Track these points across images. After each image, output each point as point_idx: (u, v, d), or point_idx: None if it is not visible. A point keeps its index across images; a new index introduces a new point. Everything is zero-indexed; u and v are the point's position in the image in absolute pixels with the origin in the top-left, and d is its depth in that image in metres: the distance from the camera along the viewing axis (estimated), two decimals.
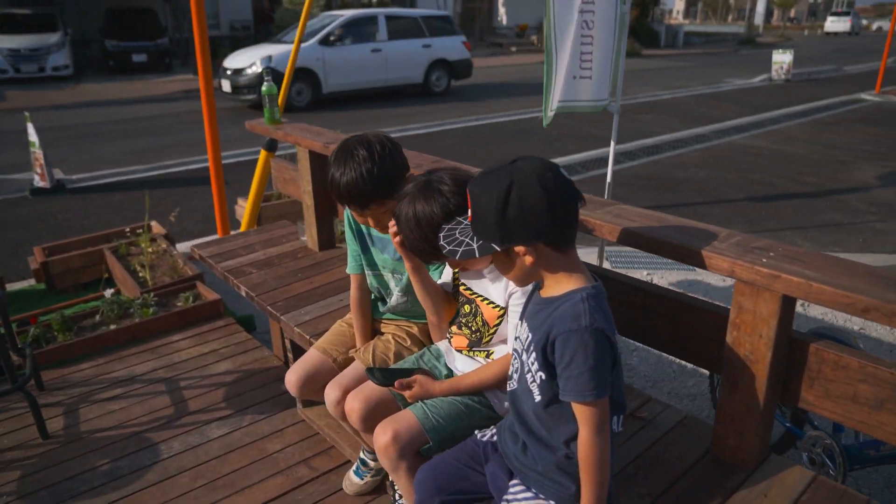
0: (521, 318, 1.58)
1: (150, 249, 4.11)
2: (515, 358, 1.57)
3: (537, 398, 1.46)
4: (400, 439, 1.71)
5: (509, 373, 1.60)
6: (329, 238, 3.15)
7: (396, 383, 1.77)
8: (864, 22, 57.83)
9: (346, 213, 2.17)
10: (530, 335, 1.48)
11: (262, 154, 4.32)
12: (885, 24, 63.03)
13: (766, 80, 17.54)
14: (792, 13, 62.23)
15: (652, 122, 11.15)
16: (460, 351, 1.93)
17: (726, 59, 25.17)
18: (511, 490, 1.55)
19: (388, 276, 2.14)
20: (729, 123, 11.01)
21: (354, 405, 1.86)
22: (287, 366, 3.14)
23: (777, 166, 8.28)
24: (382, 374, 1.81)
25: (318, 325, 2.43)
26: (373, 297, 2.22)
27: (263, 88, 3.15)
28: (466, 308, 1.86)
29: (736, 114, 11.97)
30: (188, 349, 3.22)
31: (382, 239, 2.10)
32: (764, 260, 1.56)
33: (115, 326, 3.30)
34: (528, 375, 1.48)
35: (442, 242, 1.52)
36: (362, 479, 2.23)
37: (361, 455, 2.25)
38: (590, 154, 8.57)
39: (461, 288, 1.88)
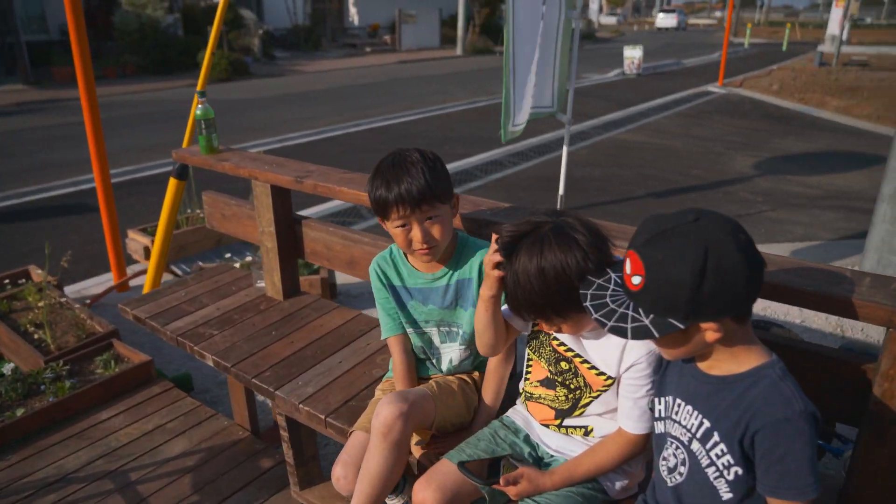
0: (671, 396, 1.33)
1: (40, 303, 3.39)
2: (677, 447, 1.31)
3: (726, 496, 1.23)
4: None
5: (668, 465, 1.33)
6: (294, 284, 2.70)
7: (502, 479, 1.44)
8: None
9: (374, 269, 1.81)
10: (706, 422, 1.24)
11: (172, 183, 3.72)
12: (698, 21, 69.52)
13: (620, 74, 18.56)
14: (618, 10, 66.96)
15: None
16: (546, 425, 1.64)
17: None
18: None
19: (433, 332, 1.80)
20: (604, 119, 11.41)
21: (427, 496, 1.51)
22: (256, 435, 2.67)
23: (663, 161, 8.65)
24: (479, 468, 1.49)
25: (328, 400, 2.01)
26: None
27: (198, 112, 2.63)
28: (563, 365, 1.56)
29: (605, 109, 12.46)
30: (126, 429, 2.64)
31: (423, 290, 1.76)
32: None
33: (24, 411, 2.64)
34: (710, 469, 1.24)
35: (595, 315, 1.23)
36: None
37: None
38: (483, 157, 8.48)
39: (553, 342, 1.58)
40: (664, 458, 1.37)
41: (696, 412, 1.28)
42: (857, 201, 7.16)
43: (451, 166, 7.87)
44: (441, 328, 1.79)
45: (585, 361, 1.51)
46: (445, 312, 1.77)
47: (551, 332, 1.49)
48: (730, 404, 1.21)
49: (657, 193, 7.15)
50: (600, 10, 61.77)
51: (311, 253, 2.58)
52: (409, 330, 1.81)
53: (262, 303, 2.65)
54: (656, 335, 1.17)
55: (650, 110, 12.54)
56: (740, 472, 1.21)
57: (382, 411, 1.55)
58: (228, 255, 4.50)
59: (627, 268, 1.21)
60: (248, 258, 4.03)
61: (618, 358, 1.46)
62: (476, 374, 1.86)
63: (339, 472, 1.72)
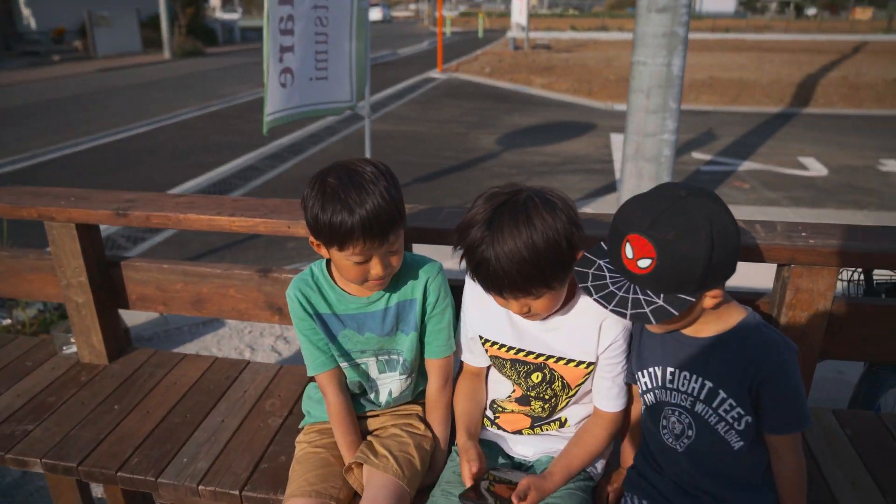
0: (659, 365, 1.32)
1: None
2: (679, 413, 1.33)
3: (737, 445, 1.29)
4: None
5: (673, 430, 1.34)
6: (119, 341, 2.18)
7: (514, 497, 1.30)
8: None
9: (295, 296, 1.51)
10: (707, 383, 1.28)
11: None
12: (398, 13, 73.19)
13: None
14: None
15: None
16: (519, 432, 1.53)
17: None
18: None
19: (370, 363, 1.56)
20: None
21: None
22: None
23: (414, 146, 8.90)
24: (486, 495, 1.33)
25: (232, 471, 1.65)
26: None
27: None
28: (536, 377, 1.46)
29: None
30: None
31: (357, 316, 1.52)
32: (811, 241, 1.59)
33: None
34: (721, 425, 1.29)
35: (612, 307, 1.18)
36: None
37: None
38: (237, 164, 7.90)
39: (510, 354, 1.47)
40: (666, 428, 1.36)
41: (693, 376, 1.30)
42: (589, 163, 8.14)
43: (207, 178, 7.20)
44: (380, 357, 1.57)
45: (560, 359, 1.43)
46: (385, 340, 1.54)
47: (522, 313, 1.36)
48: (730, 361, 1.25)
49: (421, 178, 7.32)
50: None
51: (139, 299, 2.11)
52: (343, 364, 1.55)
53: (82, 373, 2.09)
54: (675, 313, 1.16)
55: (386, 99, 12.84)
56: (750, 419, 1.26)
57: None
58: None
59: (630, 252, 1.16)
60: (7, 320, 3.21)
61: (595, 340, 1.41)
62: (419, 408, 1.67)
63: None
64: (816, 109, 12.40)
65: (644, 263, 1.15)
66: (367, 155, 3.78)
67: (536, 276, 1.23)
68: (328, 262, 1.52)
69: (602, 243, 1.30)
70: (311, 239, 1.42)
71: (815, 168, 7.78)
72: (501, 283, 1.25)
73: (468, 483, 1.39)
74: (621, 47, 25.75)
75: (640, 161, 5.44)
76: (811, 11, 73.10)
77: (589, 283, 1.23)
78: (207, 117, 10.89)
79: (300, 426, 1.71)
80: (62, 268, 2.01)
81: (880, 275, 2.34)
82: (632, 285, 1.19)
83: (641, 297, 1.17)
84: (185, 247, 5.18)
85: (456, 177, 7.36)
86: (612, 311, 1.17)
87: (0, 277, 2.20)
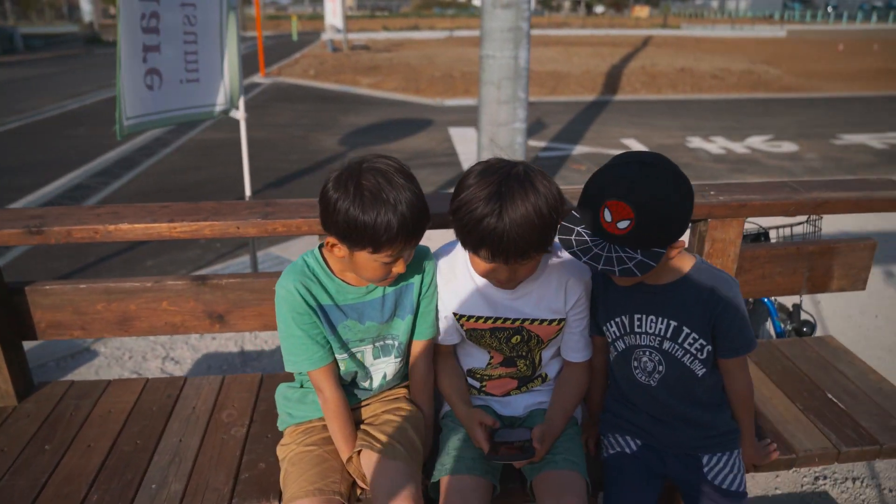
0: (627, 314, 1.49)
1: None
2: (649, 353, 1.51)
3: (701, 371, 1.48)
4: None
5: (645, 369, 1.52)
6: (28, 378, 1.94)
7: (535, 442, 1.44)
8: None
9: (295, 290, 1.45)
10: (672, 322, 1.46)
11: None
12: None
13: None
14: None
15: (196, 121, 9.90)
16: (507, 394, 1.62)
17: (92, 59, 23.77)
18: (709, 467, 1.54)
19: (366, 351, 1.56)
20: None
21: None
22: None
23: (260, 152, 8.60)
24: (502, 462, 1.43)
25: (214, 486, 1.56)
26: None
27: None
28: (516, 339, 1.55)
29: None
30: None
31: (357, 306, 1.51)
32: (721, 198, 1.84)
33: None
34: (686, 357, 1.48)
35: (600, 266, 1.31)
36: None
37: None
38: (61, 184, 7.15)
39: (488, 324, 1.55)
40: (638, 368, 1.53)
41: (659, 318, 1.47)
42: (434, 157, 8.38)
43: (27, 200, 6.44)
44: (376, 344, 1.56)
45: (534, 320, 1.54)
46: (383, 326, 1.54)
47: (503, 279, 1.43)
48: (689, 301, 1.44)
49: (274, 184, 7.12)
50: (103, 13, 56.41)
51: (50, 327, 1.89)
52: (341, 355, 1.53)
53: None
54: (654, 265, 1.30)
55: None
56: (710, 348, 1.46)
57: None
58: None
59: (608, 216, 1.29)
60: None
61: (562, 300, 1.53)
62: (405, 390, 1.69)
63: None
64: (624, 96, 13.74)
65: (623, 225, 1.28)
66: (246, 161, 3.63)
67: (538, 241, 1.33)
68: (321, 252, 1.50)
69: (573, 212, 1.42)
70: (330, 239, 1.38)
71: (637, 148, 8.65)
72: (509, 251, 1.32)
73: (484, 445, 1.46)
74: (438, 45, 26.61)
75: (495, 150, 5.72)
76: (600, 9, 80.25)
77: (575, 248, 1.35)
78: (8, 135, 9.69)
79: (281, 429, 1.66)
80: None
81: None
82: (611, 245, 1.31)
83: (623, 255, 1.30)
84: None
85: (309, 179, 7.24)
86: (601, 269, 1.29)
87: None
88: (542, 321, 1.54)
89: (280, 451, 1.61)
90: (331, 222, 1.34)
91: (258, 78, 16.61)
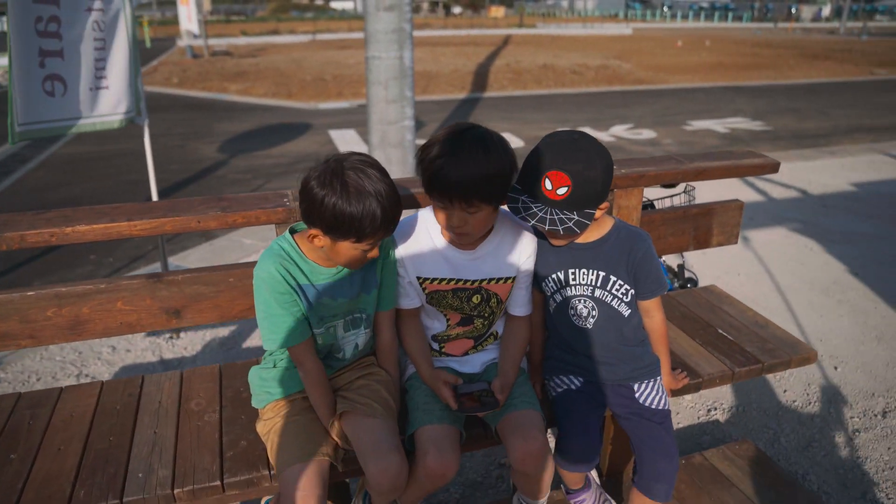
0: (563, 269, 1.74)
1: None
2: (583, 301, 1.77)
3: (626, 312, 1.78)
4: (544, 439, 1.66)
5: (581, 315, 1.78)
6: None
7: (496, 393, 1.64)
8: None
9: (276, 271, 1.57)
10: (601, 273, 1.75)
11: None
12: None
13: None
14: None
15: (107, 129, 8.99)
16: (465, 353, 1.82)
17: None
18: (639, 393, 1.82)
19: (338, 326, 1.69)
20: None
21: (449, 462, 1.57)
22: None
23: (137, 164, 8.22)
24: (469, 413, 1.63)
25: (201, 467, 1.64)
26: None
27: None
28: (476, 299, 1.76)
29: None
30: None
31: (329, 285, 1.64)
32: (623, 171, 2.15)
33: None
34: (614, 301, 1.77)
35: (547, 227, 1.56)
36: None
37: None
38: None
39: (450, 285, 1.74)
40: (575, 315, 1.79)
41: (590, 270, 1.75)
42: (321, 159, 8.41)
43: None
44: (347, 318, 1.70)
45: (492, 279, 1.75)
46: (352, 302, 1.68)
47: (458, 228, 1.62)
48: (614, 253, 1.73)
49: (162, 194, 6.87)
50: None
51: None
52: (317, 330, 1.65)
53: None
54: (588, 223, 1.57)
55: None
56: (632, 291, 1.75)
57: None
58: None
59: (549, 185, 1.54)
60: None
61: (517, 258, 1.76)
62: (373, 358, 1.84)
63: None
64: (493, 93, 14.34)
65: (562, 191, 1.54)
66: (151, 167, 3.57)
67: (483, 190, 1.53)
68: (293, 237, 1.62)
69: (515, 185, 1.65)
70: (313, 231, 1.51)
71: (514, 141, 9.14)
72: (457, 190, 1.51)
73: (451, 402, 1.65)
74: (303, 49, 26.26)
75: (387, 148, 5.91)
76: (457, 10, 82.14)
77: (523, 214, 1.58)
78: None
79: (260, 407, 1.76)
80: None
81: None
82: (552, 209, 1.56)
83: (563, 216, 1.55)
84: None
85: (194, 188, 7.07)
86: (548, 229, 1.54)
87: None
88: (500, 279, 1.76)
89: (262, 427, 1.71)
90: (317, 217, 1.48)
91: None
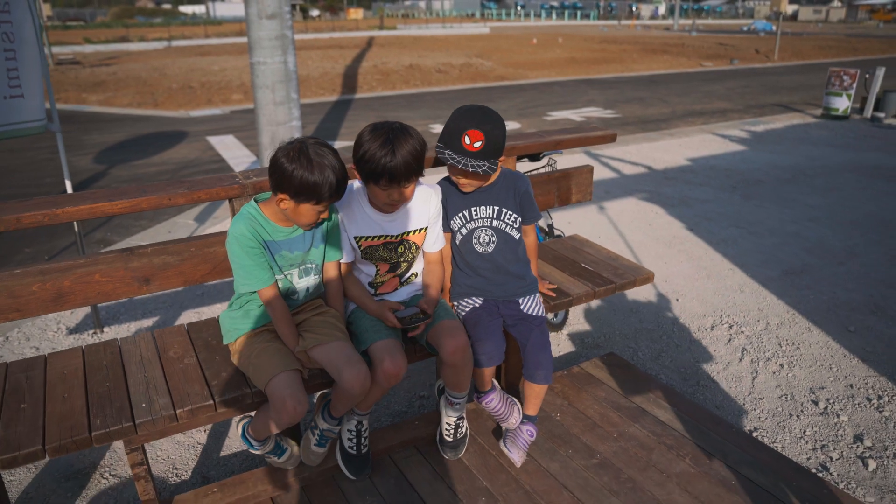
0: (467, 209, 2.33)
1: None
2: (484, 230, 2.35)
3: (517, 236, 2.40)
4: (466, 336, 2.23)
5: (483, 243, 2.36)
6: None
7: (422, 310, 2.18)
8: None
9: (247, 231, 1.99)
10: (495, 207, 2.34)
11: None
12: None
13: None
14: None
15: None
16: (395, 290, 2.34)
17: None
18: (524, 305, 2.42)
19: (293, 273, 2.14)
20: None
21: (401, 364, 2.08)
22: None
23: (10, 180, 7.95)
24: (411, 325, 2.15)
25: (196, 395, 2.03)
26: None
27: None
28: (401, 249, 2.27)
29: None
30: None
31: (286, 242, 2.09)
32: (511, 142, 2.74)
33: None
34: (507, 228, 2.37)
35: (473, 167, 2.11)
36: (324, 447, 2.35)
37: (320, 424, 2.29)
38: None
39: (379, 241, 2.25)
40: (478, 242, 2.36)
41: (488, 206, 2.34)
42: (205, 165, 8.53)
43: None
44: (300, 268, 2.14)
45: (410, 231, 2.27)
46: (305, 255, 2.13)
47: (393, 200, 2.13)
48: (504, 191, 2.34)
49: None
50: None
51: None
52: (278, 276, 2.09)
53: None
54: (495, 169, 2.15)
55: None
56: (519, 218, 2.35)
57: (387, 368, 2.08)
58: None
59: (468, 140, 2.10)
60: None
61: (427, 212, 2.29)
62: (321, 300, 2.30)
63: (291, 405, 1.96)
64: (364, 94, 14.80)
65: (478, 144, 2.10)
66: (66, 171, 3.75)
67: (416, 168, 2.05)
68: (257, 204, 2.05)
69: (438, 144, 2.19)
70: (281, 195, 1.94)
71: None
72: (401, 176, 2.02)
73: (396, 322, 2.16)
74: (161, 56, 25.30)
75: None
76: (315, 13, 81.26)
77: (450, 163, 2.13)
78: None
79: (231, 341, 2.17)
80: None
81: None
82: (470, 160, 2.11)
83: (478, 163, 2.11)
84: None
85: None
86: (472, 170, 2.09)
87: None
88: (417, 230, 2.28)
89: (237, 357, 2.13)
90: (287, 184, 1.92)
91: None
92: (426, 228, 2.31)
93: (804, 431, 2.95)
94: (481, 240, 2.36)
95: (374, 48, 26.55)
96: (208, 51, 27.43)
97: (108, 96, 15.06)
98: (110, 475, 2.69)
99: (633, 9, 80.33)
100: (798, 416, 3.05)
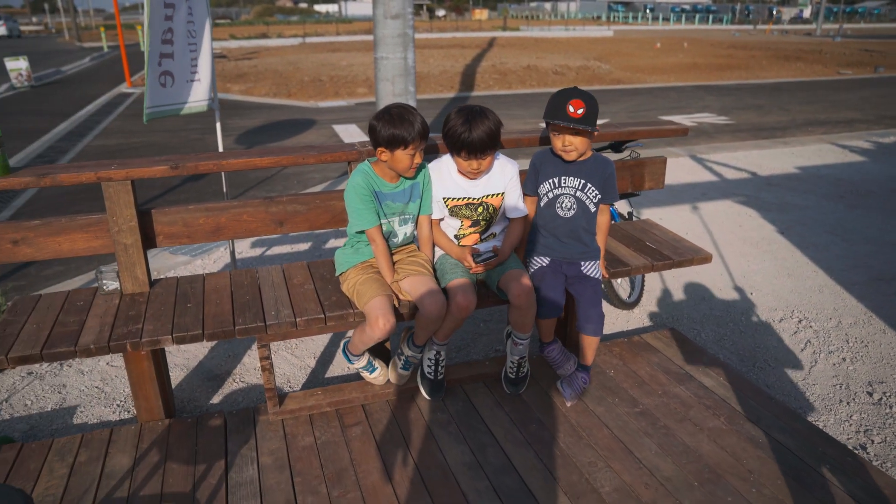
0: (558, 176, 2.76)
1: None
2: (569, 198, 2.77)
3: (594, 209, 2.79)
4: (531, 283, 2.70)
5: (564, 208, 2.77)
6: (149, 273, 2.86)
7: (494, 252, 2.66)
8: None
9: (362, 181, 2.56)
10: (582, 180, 2.75)
11: None
12: (24, 27, 64.14)
13: (10, 88, 16.84)
14: None
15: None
16: (476, 243, 2.83)
17: None
18: (584, 268, 2.82)
19: (394, 220, 2.69)
20: (56, 132, 10.81)
21: (471, 299, 2.57)
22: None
23: (164, 154, 9.16)
24: (483, 261, 2.63)
25: (307, 309, 2.63)
26: None
27: None
28: (479, 209, 2.76)
29: (50, 123, 11.68)
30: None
31: (390, 194, 2.64)
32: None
33: None
34: (587, 201, 2.77)
35: (580, 127, 2.58)
36: (408, 371, 2.87)
37: (406, 350, 2.83)
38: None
39: (462, 202, 2.74)
40: (560, 207, 2.78)
41: (575, 178, 2.76)
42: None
43: None
44: (400, 217, 2.70)
45: (488, 195, 2.75)
46: (404, 206, 2.68)
47: (474, 169, 2.63)
48: (592, 169, 2.75)
49: (192, 179, 7.82)
50: None
51: (167, 237, 2.84)
52: (383, 221, 2.65)
53: (134, 298, 2.76)
54: (593, 134, 2.60)
55: (93, 116, 12.34)
56: (600, 195, 2.76)
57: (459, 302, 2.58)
58: None
59: (572, 108, 2.55)
60: None
61: (503, 179, 2.76)
62: (414, 245, 2.85)
63: (382, 322, 2.49)
64: (480, 92, 15.37)
65: (581, 111, 2.55)
66: (220, 142, 4.53)
67: (490, 144, 2.53)
68: (370, 164, 2.61)
69: (545, 117, 2.66)
70: (379, 150, 2.49)
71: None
72: (476, 149, 2.52)
73: (472, 262, 2.65)
74: (296, 52, 27.15)
75: None
76: (441, 13, 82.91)
77: (561, 128, 2.62)
78: None
79: (342, 272, 2.74)
80: (115, 217, 2.67)
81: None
82: (574, 123, 2.55)
83: (582, 127, 2.56)
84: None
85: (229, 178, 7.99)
86: (581, 128, 2.56)
87: (26, 242, 2.71)
88: (494, 195, 2.76)
89: (346, 285, 2.70)
90: (380, 138, 2.47)
91: (125, 88, 16.56)
92: (503, 194, 2.78)
93: (851, 416, 3.14)
94: (564, 205, 2.79)
95: (494, 48, 27.13)
96: (338, 47, 29.11)
97: (249, 87, 16.55)
98: (240, 381, 3.37)
99: (774, 12, 76.06)
100: (848, 403, 3.24)
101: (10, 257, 2.70)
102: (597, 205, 2.80)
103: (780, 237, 5.53)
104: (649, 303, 4.29)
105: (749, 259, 5.03)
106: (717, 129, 10.98)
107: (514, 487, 2.38)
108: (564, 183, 2.79)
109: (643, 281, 4.21)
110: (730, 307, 4.21)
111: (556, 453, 2.55)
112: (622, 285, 4.31)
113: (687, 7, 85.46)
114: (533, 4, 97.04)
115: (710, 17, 70.34)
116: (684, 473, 2.45)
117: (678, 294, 4.43)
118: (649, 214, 6.01)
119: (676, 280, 4.65)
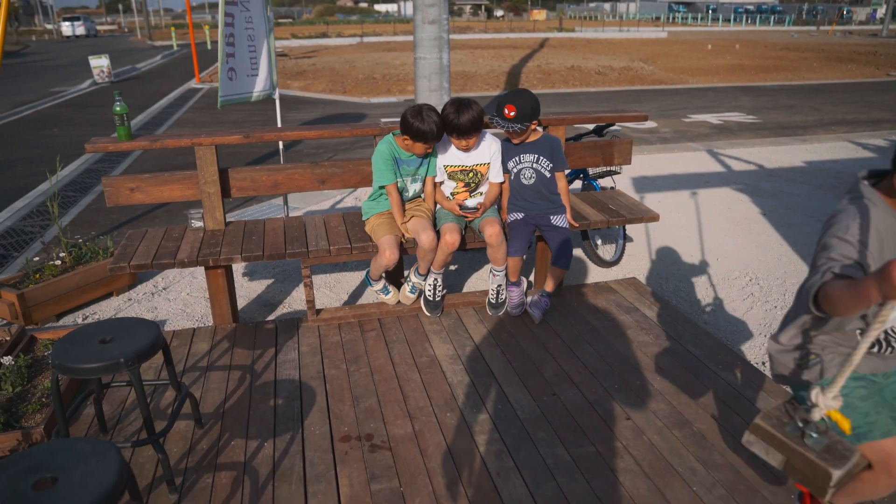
0: (517, 155, 3.65)
1: None
2: (529, 169, 3.66)
3: (549, 175, 3.66)
4: (502, 225, 3.60)
5: (526, 178, 3.67)
6: (224, 214, 3.91)
7: (478, 206, 3.56)
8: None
9: (387, 148, 3.52)
10: (536, 155, 3.63)
11: None
12: (100, 27, 67.58)
13: (93, 84, 18.56)
14: None
15: (257, 100, 11.29)
16: (466, 199, 3.77)
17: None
18: (553, 220, 3.71)
19: (408, 180, 3.65)
20: (137, 122, 12.20)
21: (456, 237, 3.50)
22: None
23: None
24: (466, 212, 3.56)
25: (337, 241, 3.62)
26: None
27: (117, 108, 3.55)
28: (470, 175, 3.69)
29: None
30: None
31: (408, 160, 3.60)
32: (551, 115, 4.05)
33: None
34: (542, 171, 3.65)
35: (510, 128, 3.46)
36: (414, 294, 3.78)
37: (412, 278, 3.75)
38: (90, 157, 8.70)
39: (458, 168, 3.67)
40: (522, 177, 3.69)
41: (531, 154, 3.67)
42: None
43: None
44: (412, 177, 3.65)
45: (478, 164, 3.68)
46: (416, 169, 3.63)
47: (463, 146, 3.56)
48: (543, 146, 3.66)
49: (259, 160, 8.95)
50: None
51: (237, 189, 3.87)
52: (398, 179, 3.61)
53: (214, 233, 3.80)
54: (525, 129, 3.50)
55: (166, 109, 13.75)
56: (550, 165, 3.67)
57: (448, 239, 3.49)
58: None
59: (506, 111, 3.46)
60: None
61: (488, 152, 3.68)
62: (420, 199, 3.79)
63: (388, 253, 3.45)
64: None
65: (513, 113, 3.46)
66: (279, 122, 5.58)
67: (475, 127, 3.45)
68: (393, 137, 3.56)
69: (493, 114, 3.57)
70: (405, 136, 3.41)
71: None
72: (463, 132, 3.44)
73: (458, 210, 3.58)
74: (353, 51, 28.45)
75: None
76: (499, 13, 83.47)
77: (499, 126, 3.51)
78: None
79: (366, 217, 3.72)
80: (203, 173, 3.71)
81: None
82: (510, 123, 3.47)
83: (513, 124, 3.47)
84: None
85: (285, 156, 9.12)
86: (511, 129, 3.47)
87: (139, 190, 3.78)
88: (482, 164, 3.68)
89: (367, 227, 3.68)
90: (409, 130, 3.39)
91: (194, 84, 18.05)
92: (489, 163, 3.70)
93: (763, 345, 3.93)
94: (525, 175, 3.70)
95: (544, 49, 27.85)
96: (393, 47, 30.32)
97: (307, 83, 17.81)
98: (289, 307, 4.38)
99: (846, 12, 73.92)
100: (765, 336, 4.02)
101: (128, 200, 3.77)
102: (551, 172, 3.69)
103: (762, 218, 6.25)
104: (626, 264, 5.12)
105: (726, 234, 5.78)
106: (742, 128, 11.55)
107: (481, 371, 3.30)
108: (523, 159, 3.70)
109: (624, 246, 5.04)
110: (695, 269, 5.01)
111: (517, 353, 3.46)
112: (606, 248, 5.16)
113: (751, 7, 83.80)
114: (592, 5, 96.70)
115: (773, 17, 68.99)
116: (609, 367, 3.32)
117: (653, 257, 5.24)
118: (650, 197, 6.80)
119: (654, 247, 5.46)
